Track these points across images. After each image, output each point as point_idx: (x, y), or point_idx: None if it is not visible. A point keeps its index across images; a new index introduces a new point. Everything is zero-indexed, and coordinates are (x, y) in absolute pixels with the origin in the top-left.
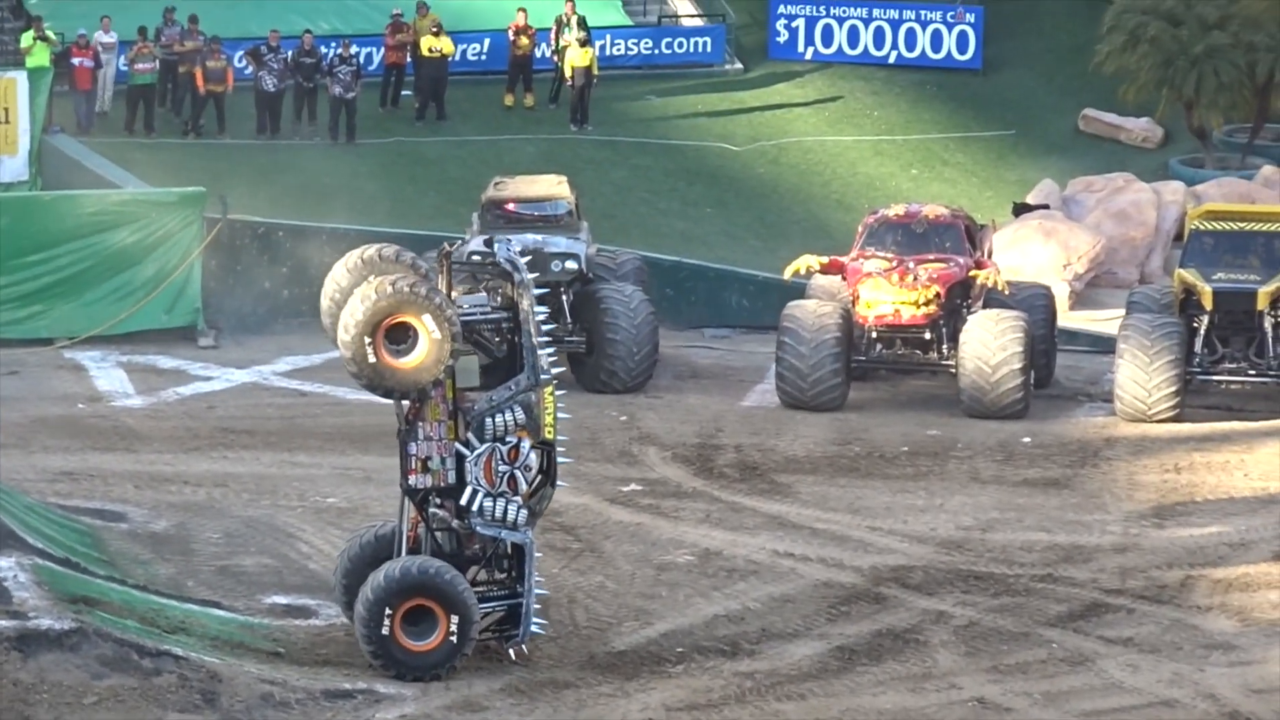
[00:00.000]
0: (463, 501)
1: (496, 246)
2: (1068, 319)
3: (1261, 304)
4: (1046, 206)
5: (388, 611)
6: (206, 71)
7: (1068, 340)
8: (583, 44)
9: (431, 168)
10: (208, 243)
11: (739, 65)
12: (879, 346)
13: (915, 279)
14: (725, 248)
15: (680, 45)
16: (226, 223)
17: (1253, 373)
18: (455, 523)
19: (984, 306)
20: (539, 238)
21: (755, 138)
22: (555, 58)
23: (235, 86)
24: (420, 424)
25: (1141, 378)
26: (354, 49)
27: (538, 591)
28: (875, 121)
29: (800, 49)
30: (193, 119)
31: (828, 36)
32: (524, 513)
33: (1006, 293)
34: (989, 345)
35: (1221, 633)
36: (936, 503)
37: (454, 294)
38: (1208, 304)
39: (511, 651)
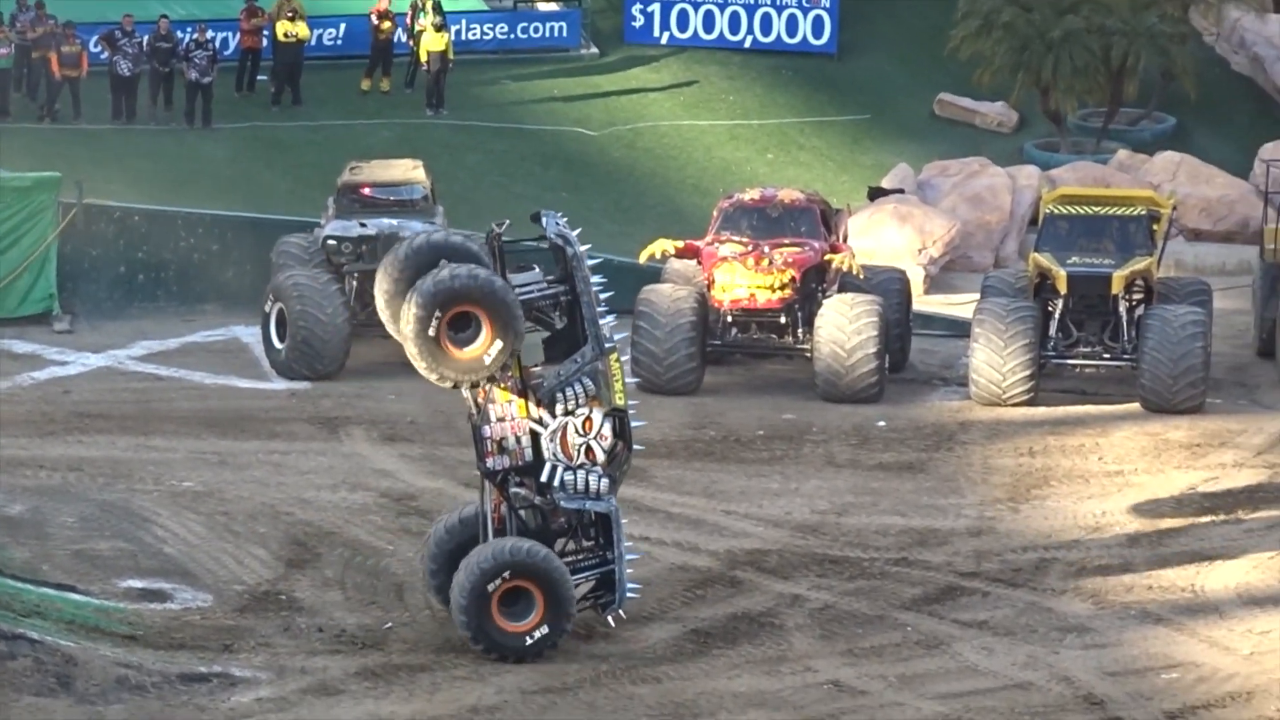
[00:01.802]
0: (543, 478)
1: (545, 221)
2: (922, 303)
3: (1116, 287)
4: (901, 191)
5: (487, 595)
6: (61, 56)
7: (923, 324)
8: (438, 28)
9: (287, 152)
10: (63, 227)
11: (595, 50)
12: (734, 330)
13: (770, 263)
14: (581, 232)
15: (536, 29)
16: (82, 207)
17: (1107, 356)
18: (538, 499)
19: (839, 291)
20: (394, 222)
21: (611, 122)
22: (411, 42)
23: (90, 71)
24: (491, 406)
25: (996, 361)
26: (209, 34)
27: (629, 556)
28: (731, 106)
29: (656, 33)
30: (48, 104)
31: (683, 21)
32: (605, 481)
33: (861, 277)
34: (844, 329)
35: (1076, 615)
36: (792, 487)
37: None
38: (1062, 288)
39: (610, 618)
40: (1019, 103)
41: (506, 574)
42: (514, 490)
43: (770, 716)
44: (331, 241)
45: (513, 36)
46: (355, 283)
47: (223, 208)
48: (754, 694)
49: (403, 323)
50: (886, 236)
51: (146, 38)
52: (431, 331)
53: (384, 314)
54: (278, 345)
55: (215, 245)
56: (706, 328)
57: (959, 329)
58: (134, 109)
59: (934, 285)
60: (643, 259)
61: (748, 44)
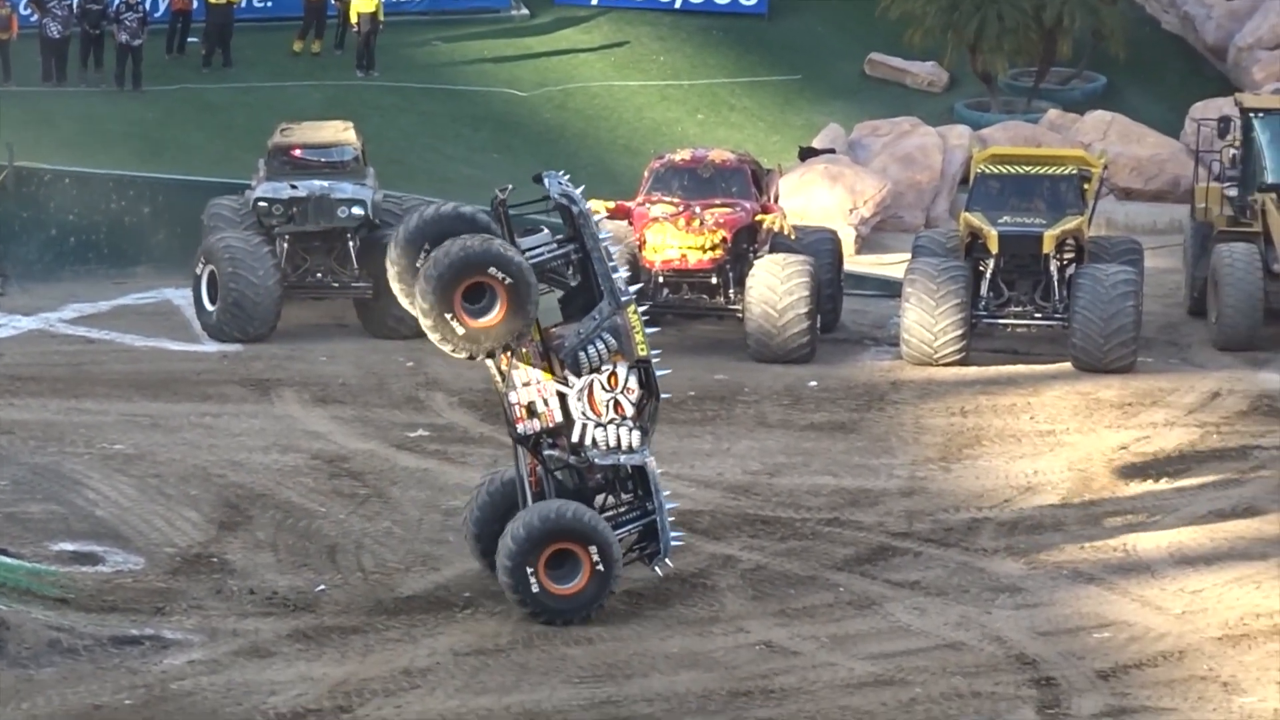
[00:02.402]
0: (575, 438)
1: (548, 181)
2: (854, 263)
3: (1047, 247)
4: (832, 151)
5: (533, 558)
6: None
7: (854, 284)
8: None
9: (218, 114)
10: None
11: (525, 11)
12: (665, 291)
13: (701, 224)
14: (512, 193)
15: None
16: (13, 170)
17: (1038, 316)
18: (572, 459)
19: (770, 251)
20: (325, 183)
21: (541, 83)
22: (340, 4)
23: (20, 34)
24: (515, 372)
25: (928, 321)
26: None
27: (670, 505)
28: (661, 67)
29: None
30: None
31: None
32: (637, 434)
33: (792, 237)
34: (775, 290)
35: (1008, 575)
36: (723, 447)
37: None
38: (993, 247)
39: (658, 568)
40: (949, 63)
41: (552, 539)
42: (548, 453)
43: (702, 677)
44: (262, 203)
45: None
46: (286, 244)
47: (153, 170)
48: (686, 655)
49: (417, 296)
50: (817, 196)
51: (77, 0)
52: (447, 304)
53: (396, 288)
54: (209, 307)
55: (146, 208)
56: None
57: (890, 289)
58: (64, 71)
59: (865, 245)
60: None
61: (678, 4)
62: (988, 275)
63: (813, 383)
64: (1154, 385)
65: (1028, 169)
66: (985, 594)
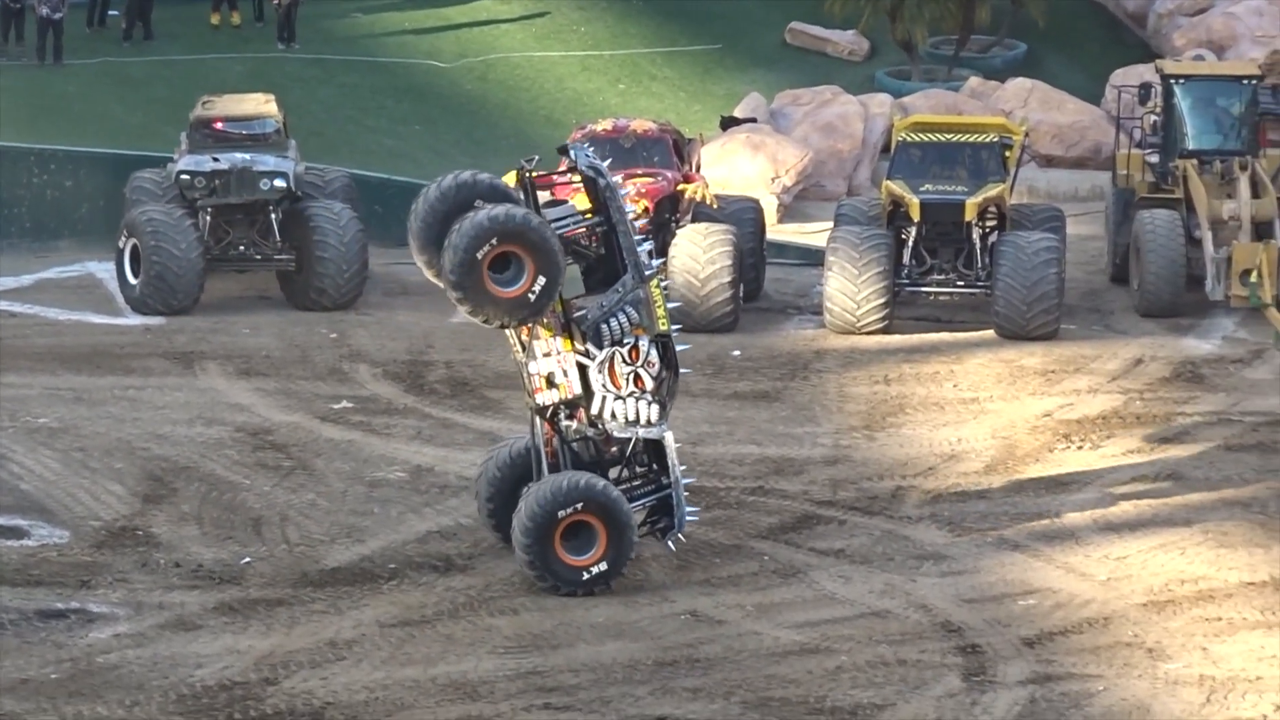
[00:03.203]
0: (594, 410)
1: (574, 154)
2: (776, 232)
3: (969, 215)
4: (754, 120)
5: (548, 529)
6: None
7: (776, 253)
8: None
9: (139, 88)
10: None
11: None
12: None
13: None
14: (434, 164)
15: None
16: None
17: (961, 284)
18: (590, 431)
19: (692, 220)
20: (247, 156)
21: (462, 54)
22: None
23: None
24: (536, 342)
25: (850, 290)
26: None
27: (685, 480)
28: (582, 37)
29: None
30: None
31: None
32: (655, 408)
33: (715, 206)
34: (698, 259)
35: (932, 543)
36: None
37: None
38: (915, 215)
39: (670, 542)
40: (870, 31)
41: (571, 508)
42: (565, 424)
43: (628, 647)
44: (185, 176)
45: None
46: (209, 217)
47: (75, 144)
48: (611, 624)
49: (443, 265)
50: (739, 166)
51: None
52: (474, 272)
53: (418, 259)
54: (132, 281)
55: (68, 181)
56: None
57: (813, 257)
58: None
59: (787, 214)
60: None
61: None
62: (910, 243)
63: (736, 352)
64: (1077, 352)
65: (949, 137)
66: (910, 562)
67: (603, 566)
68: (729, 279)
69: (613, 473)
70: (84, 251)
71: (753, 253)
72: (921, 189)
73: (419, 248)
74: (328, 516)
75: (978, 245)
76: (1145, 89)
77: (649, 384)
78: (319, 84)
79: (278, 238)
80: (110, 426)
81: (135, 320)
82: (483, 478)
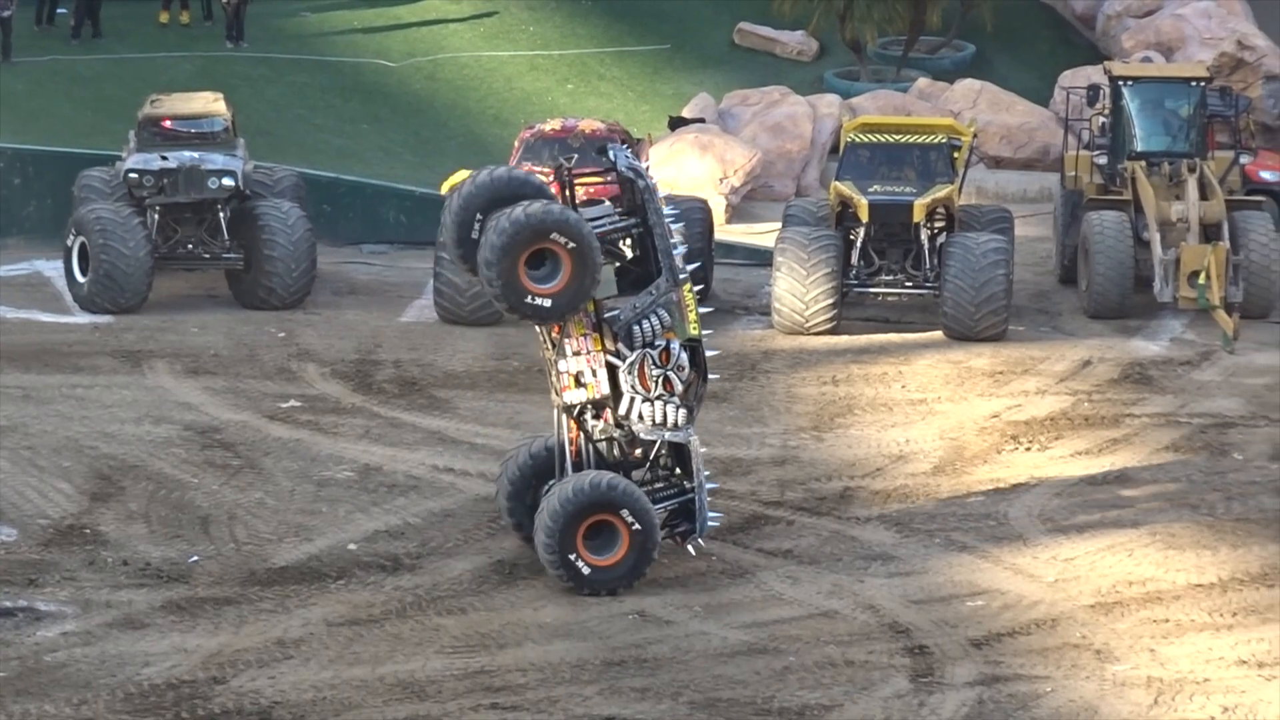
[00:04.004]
0: (621, 411)
1: (615, 155)
2: (725, 232)
3: (917, 216)
4: (702, 120)
5: (572, 530)
6: None
7: (725, 253)
8: None
9: (88, 86)
10: None
11: None
12: None
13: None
14: (382, 164)
15: None
16: None
17: (909, 284)
18: (616, 432)
19: None
20: (195, 155)
21: (411, 53)
22: None
23: None
24: (567, 340)
25: (799, 290)
26: None
27: (709, 485)
28: (531, 37)
29: None
30: None
31: None
32: (683, 412)
33: (663, 206)
34: None
35: (881, 544)
36: None
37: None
38: (864, 216)
39: (690, 546)
40: (818, 31)
41: (595, 508)
42: (591, 423)
43: (576, 646)
44: (133, 175)
45: None
46: (157, 216)
47: (23, 142)
48: (559, 624)
49: (480, 264)
50: (688, 166)
51: None
52: (511, 268)
53: (452, 255)
54: (80, 279)
55: (16, 179)
56: None
57: (761, 258)
58: None
59: (736, 214)
60: (444, 190)
61: None
62: (858, 244)
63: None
64: (1025, 353)
65: (897, 138)
66: (858, 562)
67: (628, 565)
68: None
69: (635, 475)
70: (32, 250)
71: (701, 253)
72: (870, 190)
73: (453, 242)
74: (275, 515)
75: (926, 246)
76: (1094, 91)
77: (678, 387)
78: (267, 83)
79: (226, 236)
80: (58, 425)
81: (83, 319)
82: (503, 478)
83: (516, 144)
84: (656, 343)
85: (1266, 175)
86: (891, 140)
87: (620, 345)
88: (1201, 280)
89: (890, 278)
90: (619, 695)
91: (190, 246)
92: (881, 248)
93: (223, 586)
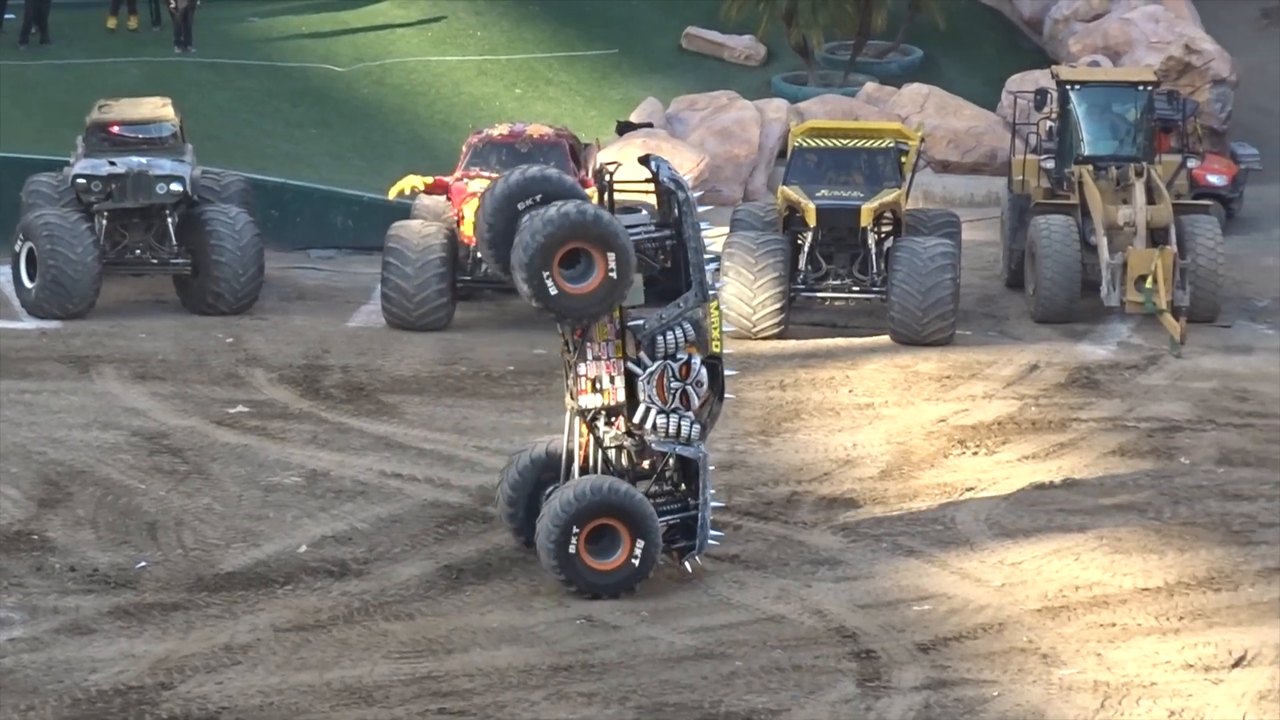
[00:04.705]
0: (636, 419)
1: (658, 166)
2: None
3: (865, 220)
4: (650, 125)
5: (574, 533)
6: None
7: None
8: None
9: (36, 91)
10: None
11: None
12: (484, 266)
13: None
14: (330, 169)
15: None
16: None
17: (857, 289)
18: (627, 441)
19: None
20: (144, 160)
21: (359, 58)
22: None
23: None
24: (589, 344)
25: (746, 295)
26: None
27: (714, 504)
28: (479, 41)
29: None
30: None
31: None
32: (697, 427)
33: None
34: None
35: (828, 548)
36: (543, 422)
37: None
38: (811, 221)
39: (687, 564)
40: (766, 36)
41: (598, 512)
42: (604, 430)
43: (523, 652)
44: (81, 180)
45: None
46: (105, 221)
47: None
48: (507, 629)
49: (515, 262)
50: (636, 170)
51: None
52: (545, 267)
53: (485, 253)
54: (28, 284)
55: None
56: (456, 264)
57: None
58: None
59: None
60: (392, 195)
61: None
62: (806, 249)
63: None
64: (972, 358)
65: (845, 142)
66: (805, 567)
67: (629, 569)
68: None
69: (641, 486)
70: None
71: None
72: (817, 194)
73: (488, 241)
74: (223, 521)
75: (873, 251)
76: (1041, 95)
77: (694, 403)
78: (216, 88)
79: (174, 242)
80: (5, 430)
81: (31, 324)
82: (504, 483)
83: (464, 149)
84: (679, 355)
85: (1214, 179)
86: (839, 145)
87: (642, 354)
88: (1149, 284)
89: (838, 282)
90: (566, 700)
91: (138, 252)
92: (829, 252)
93: (170, 592)
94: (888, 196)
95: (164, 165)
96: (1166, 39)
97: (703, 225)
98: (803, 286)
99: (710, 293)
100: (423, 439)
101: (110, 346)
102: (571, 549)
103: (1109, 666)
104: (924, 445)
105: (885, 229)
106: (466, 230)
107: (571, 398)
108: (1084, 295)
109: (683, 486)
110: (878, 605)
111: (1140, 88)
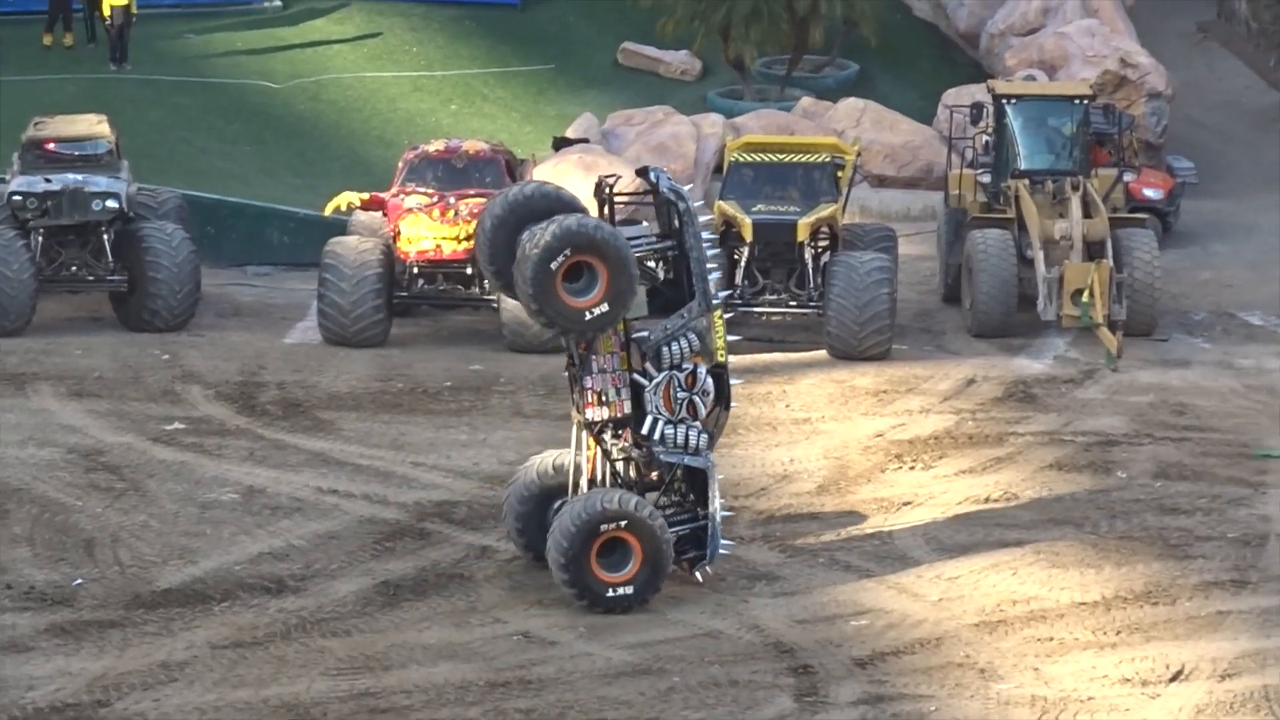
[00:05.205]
0: (644, 430)
1: (659, 178)
2: None
3: (801, 235)
4: (586, 140)
5: (585, 547)
6: None
7: None
8: None
9: None
10: None
11: (277, 2)
12: (420, 282)
13: (456, 214)
14: (265, 185)
15: None
16: None
17: (793, 304)
18: (635, 452)
19: None
20: (79, 177)
21: (295, 75)
22: None
23: None
24: (594, 357)
25: None
26: None
27: (723, 513)
28: (414, 57)
29: None
30: None
31: None
32: (704, 437)
33: None
34: None
35: (765, 563)
36: (480, 437)
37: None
38: (748, 235)
39: (698, 574)
40: (702, 51)
41: (609, 524)
42: (611, 442)
43: (460, 668)
44: (17, 197)
45: None
46: (41, 238)
47: None
48: (444, 646)
49: (518, 278)
50: (572, 186)
51: None
52: (548, 280)
53: (486, 269)
54: None
55: None
56: (393, 279)
57: None
58: None
59: None
60: (328, 211)
61: None
62: (743, 264)
63: (567, 372)
64: (909, 372)
65: (781, 157)
66: (742, 582)
67: (641, 581)
68: None
69: (650, 497)
70: None
71: None
72: (754, 209)
73: (488, 258)
74: (160, 538)
75: (810, 266)
76: (977, 109)
77: (701, 412)
78: (151, 105)
79: (110, 259)
80: None
81: None
82: (511, 497)
83: (400, 165)
84: (684, 365)
85: (1149, 193)
86: (775, 160)
87: (648, 365)
88: (1085, 298)
89: (774, 297)
90: (503, 717)
91: (74, 269)
92: (766, 267)
93: (107, 609)
94: (824, 211)
95: (100, 182)
96: (1102, 53)
97: (705, 236)
98: (739, 301)
99: (714, 302)
100: (359, 455)
101: (46, 363)
102: (584, 561)
103: (1046, 681)
104: (861, 460)
105: (822, 244)
106: (403, 246)
107: (578, 411)
108: (1020, 309)
109: (691, 497)
110: (815, 620)
111: (1076, 102)
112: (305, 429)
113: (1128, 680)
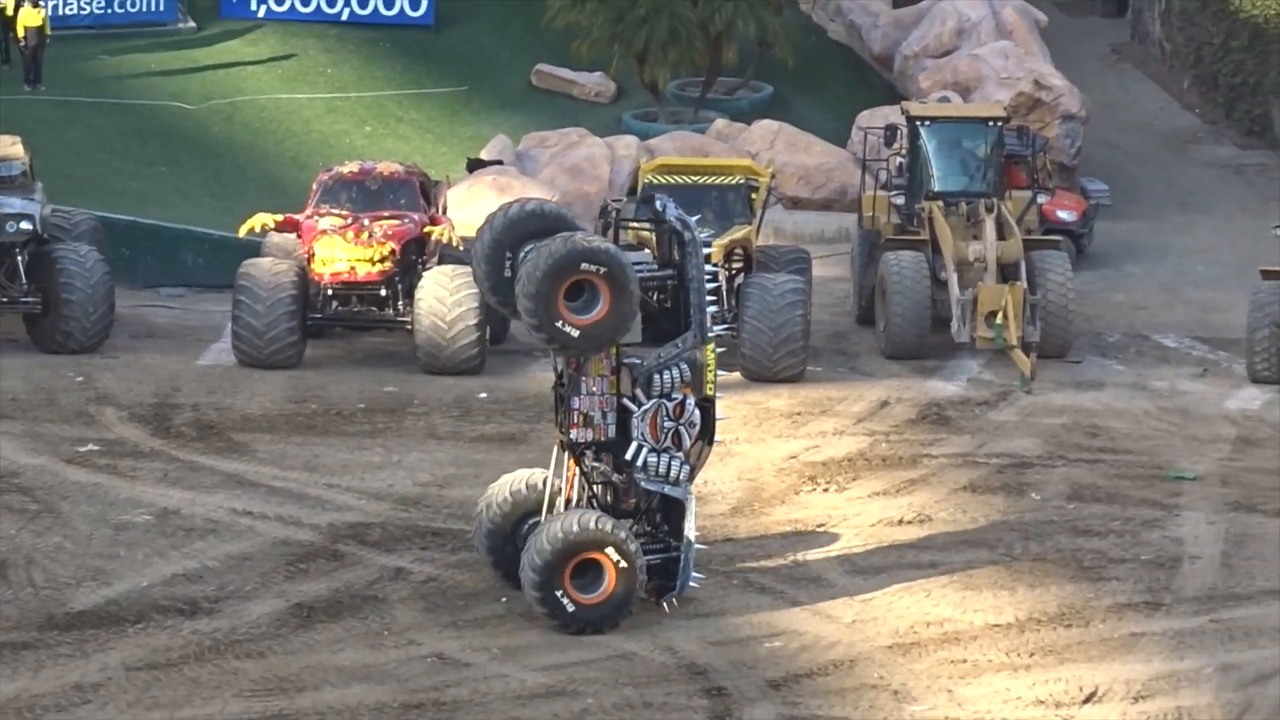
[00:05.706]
0: (627, 456)
1: (665, 207)
2: None
3: (715, 257)
4: (500, 162)
5: (559, 568)
6: None
7: None
8: (34, 3)
9: None
10: None
11: (192, 24)
12: (334, 303)
13: (370, 236)
14: (180, 207)
15: (133, 4)
16: None
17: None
18: (616, 477)
19: (439, 263)
20: None
21: (209, 96)
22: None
23: None
24: (584, 379)
25: None
26: None
27: (697, 546)
28: (329, 79)
29: (253, 7)
30: None
31: None
32: (686, 468)
33: (461, 249)
34: (444, 301)
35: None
36: (394, 459)
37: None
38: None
39: (665, 604)
40: (616, 73)
41: (581, 547)
42: (592, 464)
43: (374, 690)
44: None
45: (109, 11)
46: None
47: None
48: (358, 668)
49: (520, 301)
50: (486, 208)
51: None
52: (550, 298)
53: (483, 285)
54: None
55: None
56: (307, 301)
57: None
58: None
59: None
60: (242, 233)
61: (345, 16)
62: None
63: (482, 394)
64: (823, 394)
65: (695, 179)
66: (651, 603)
67: (616, 601)
68: (475, 321)
69: (623, 524)
70: None
71: None
72: None
73: (485, 274)
74: (74, 559)
75: (724, 287)
76: (891, 131)
77: (686, 443)
78: (66, 126)
79: (24, 280)
80: None
81: None
82: (482, 516)
83: (314, 186)
84: (674, 395)
85: (1063, 215)
86: (689, 181)
87: (637, 391)
88: (999, 320)
89: None
90: None
91: None
92: None
93: (20, 631)
94: (738, 233)
95: (13, 204)
96: (1016, 75)
97: (707, 269)
98: None
99: (709, 335)
100: (273, 477)
101: None
102: (557, 582)
103: (960, 703)
104: (775, 482)
105: (736, 265)
106: (317, 268)
107: (561, 431)
108: (934, 331)
109: (665, 527)
110: (729, 642)
111: (990, 123)
112: (219, 450)
113: (1041, 702)
